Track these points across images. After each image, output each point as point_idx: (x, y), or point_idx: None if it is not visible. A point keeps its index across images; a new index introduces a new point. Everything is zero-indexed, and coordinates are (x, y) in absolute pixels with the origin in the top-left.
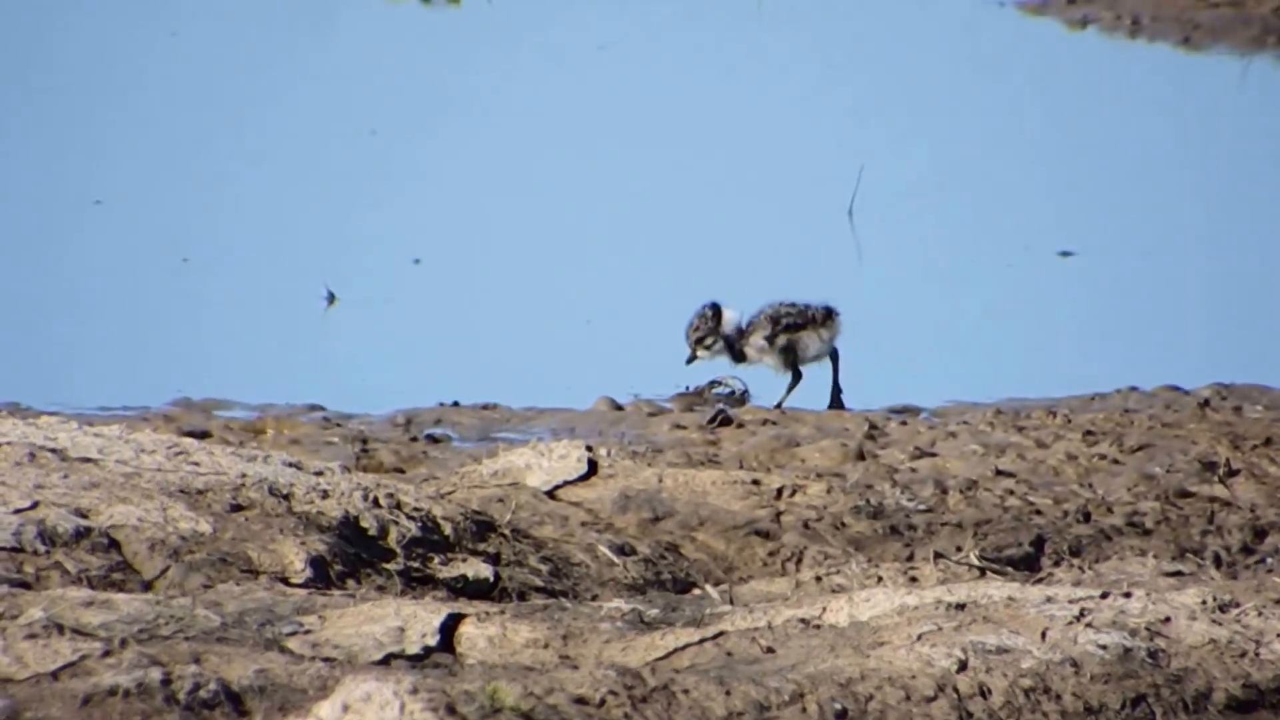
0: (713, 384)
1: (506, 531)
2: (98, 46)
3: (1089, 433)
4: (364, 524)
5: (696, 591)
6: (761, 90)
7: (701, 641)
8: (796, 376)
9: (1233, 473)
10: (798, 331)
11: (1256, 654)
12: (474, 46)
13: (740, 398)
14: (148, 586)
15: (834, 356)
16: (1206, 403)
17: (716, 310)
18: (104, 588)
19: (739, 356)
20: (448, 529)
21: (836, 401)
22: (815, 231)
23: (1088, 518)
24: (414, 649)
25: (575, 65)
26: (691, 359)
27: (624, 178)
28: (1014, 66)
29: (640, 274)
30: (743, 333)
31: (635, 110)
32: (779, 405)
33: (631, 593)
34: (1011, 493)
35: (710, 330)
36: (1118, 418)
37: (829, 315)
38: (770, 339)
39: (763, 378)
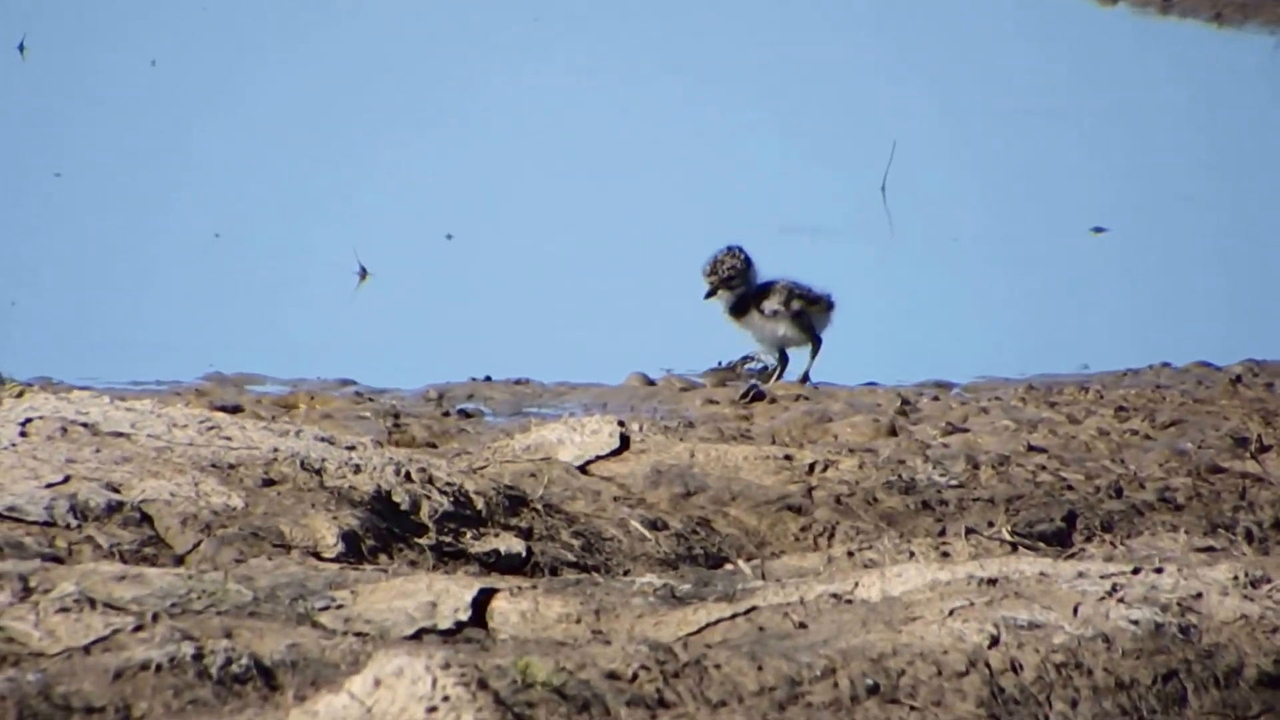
0: (745, 359)
1: (539, 506)
2: (129, 19)
3: (1121, 408)
4: (396, 498)
5: (728, 566)
6: (794, 65)
7: (733, 616)
8: (816, 343)
9: (1264, 449)
10: (811, 306)
11: None
12: (507, 20)
13: (773, 373)
14: (179, 561)
15: (816, 344)
16: (1238, 379)
17: (748, 258)
18: (136, 562)
19: (740, 310)
20: (480, 503)
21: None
22: (848, 206)
23: (1119, 493)
24: (446, 624)
25: (611, 36)
26: (711, 295)
27: (657, 151)
28: (1045, 43)
29: (672, 248)
30: (761, 291)
31: (668, 83)
32: (805, 377)
33: (663, 568)
34: (1043, 468)
35: (740, 274)
36: (1150, 394)
37: (831, 305)
38: (786, 304)
39: (793, 351)
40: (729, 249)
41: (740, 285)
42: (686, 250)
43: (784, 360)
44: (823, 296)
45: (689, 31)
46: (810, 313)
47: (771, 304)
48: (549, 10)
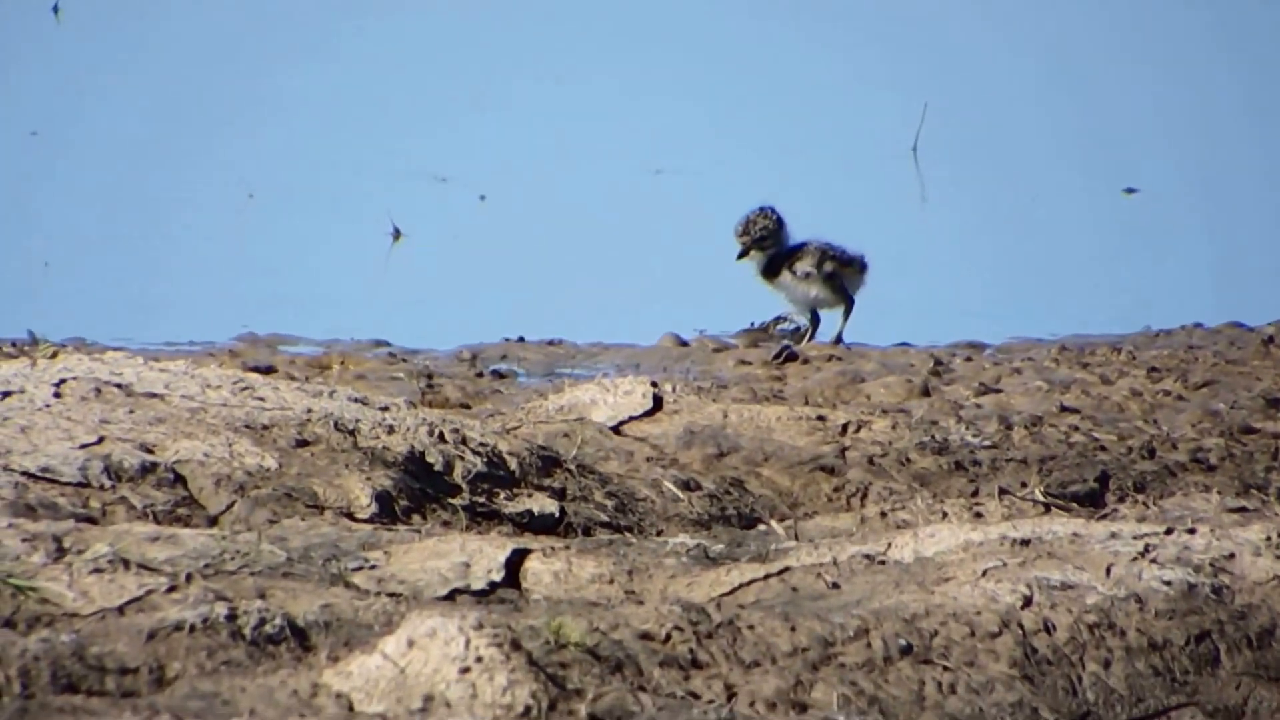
0: (778, 320)
1: (572, 467)
2: None
3: (1153, 369)
4: (429, 459)
5: (761, 527)
6: (826, 27)
7: (766, 577)
8: (849, 305)
9: None
10: (844, 268)
11: None
12: None
13: (805, 334)
14: (213, 522)
15: (849, 305)
16: (1270, 340)
17: (780, 218)
18: (169, 523)
19: (772, 271)
20: (513, 464)
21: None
22: (879, 168)
23: (1152, 454)
24: (479, 584)
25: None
26: (743, 255)
27: (690, 112)
28: (1079, 2)
29: (704, 209)
30: (793, 252)
31: (699, 44)
32: (838, 338)
33: (696, 528)
34: (1076, 429)
35: (772, 234)
36: (1182, 354)
37: (864, 266)
38: (818, 266)
39: (825, 311)
40: (761, 209)
41: (772, 246)
42: (719, 211)
43: (816, 321)
44: (856, 258)
45: None
46: (843, 274)
47: (804, 265)
48: None
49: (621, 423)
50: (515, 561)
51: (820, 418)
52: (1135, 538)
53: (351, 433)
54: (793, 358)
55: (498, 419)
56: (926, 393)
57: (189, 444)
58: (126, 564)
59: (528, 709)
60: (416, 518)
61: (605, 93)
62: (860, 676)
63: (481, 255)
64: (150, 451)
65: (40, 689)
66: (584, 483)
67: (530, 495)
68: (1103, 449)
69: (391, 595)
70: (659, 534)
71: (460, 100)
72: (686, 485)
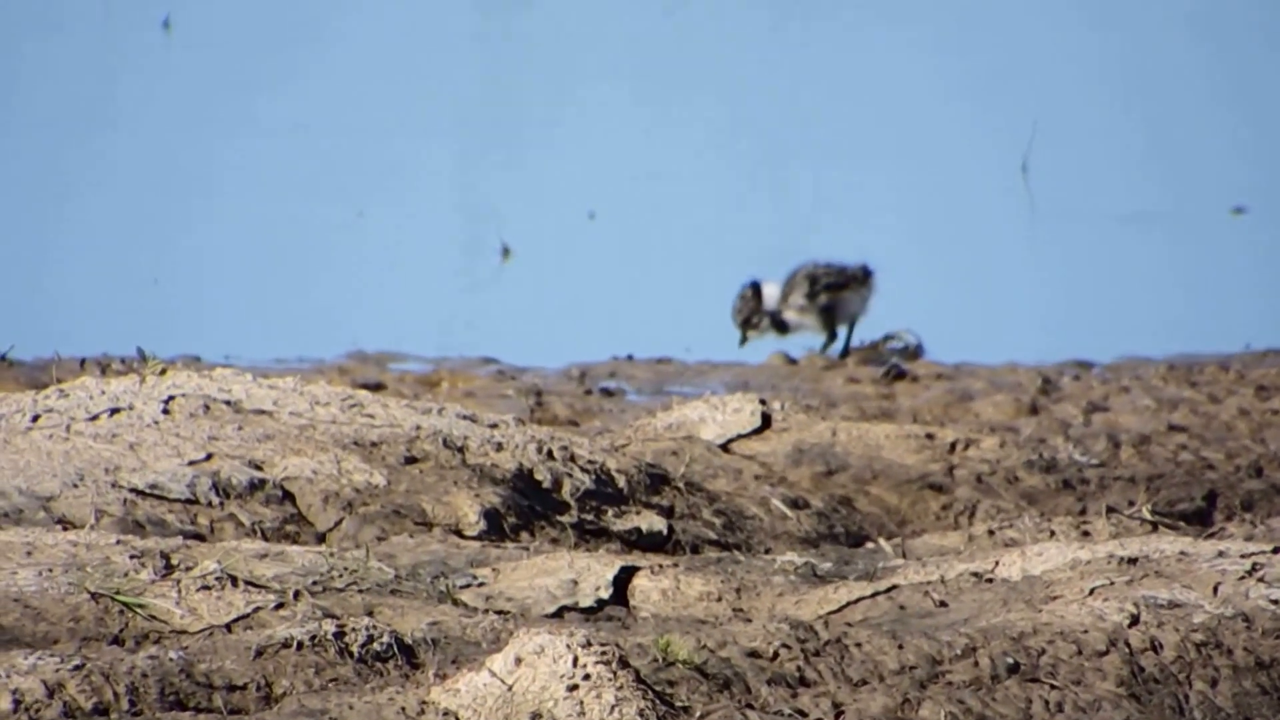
0: (887, 338)
1: (680, 484)
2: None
3: (1261, 388)
4: (538, 476)
5: (869, 545)
6: (936, 45)
7: (874, 595)
8: (832, 337)
9: None
10: (840, 291)
11: None
12: (648, 2)
13: (914, 352)
14: (321, 539)
15: (852, 321)
16: None
17: (756, 289)
18: (278, 540)
19: (781, 327)
20: (621, 481)
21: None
22: (989, 186)
23: (1260, 473)
24: (587, 602)
25: (753, 11)
26: (744, 341)
27: (795, 129)
28: (1188, 19)
29: (813, 227)
30: (781, 299)
31: (804, 60)
32: (841, 353)
33: (804, 546)
34: (1184, 447)
35: (753, 310)
36: None
37: (867, 275)
38: (810, 297)
39: (934, 330)
40: (740, 290)
41: (760, 318)
42: (827, 229)
43: (833, 337)
44: (855, 272)
45: (830, 6)
46: (840, 299)
47: (795, 299)
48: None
49: (730, 440)
50: (623, 579)
51: (929, 436)
52: (1243, 556)
53: (460, 450)
54: (901, 376)
55: (606, 436)
56: (1035, 411)
57: (297, 461)
58: (234, 581)
59: None
60: (525, 535)
61: (710, 112)
62: (968, 695)
63: (590, 273)
64: (259, 468)
65: (148, 706)
66: (692, 500)
67: (638, 513)
68: (1210, 468)
69: (499, 613)
70: (767, 552)
71: (570, 118)
72: (795, 503)
